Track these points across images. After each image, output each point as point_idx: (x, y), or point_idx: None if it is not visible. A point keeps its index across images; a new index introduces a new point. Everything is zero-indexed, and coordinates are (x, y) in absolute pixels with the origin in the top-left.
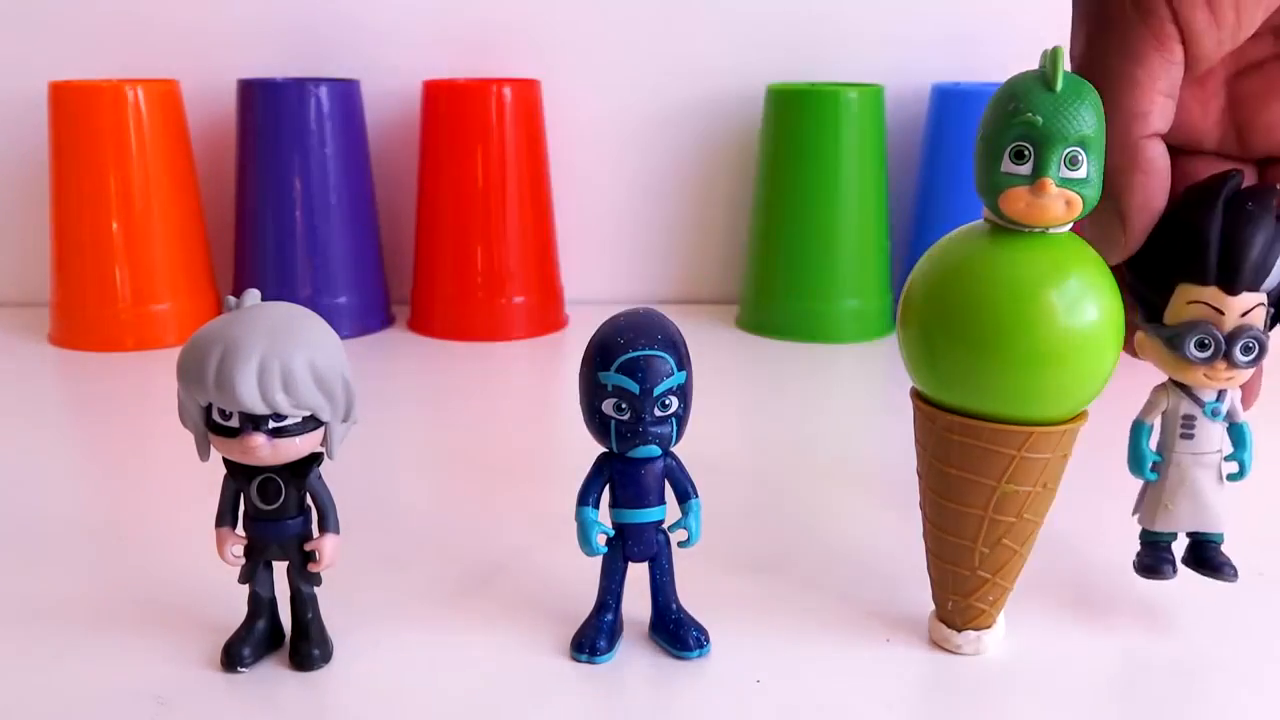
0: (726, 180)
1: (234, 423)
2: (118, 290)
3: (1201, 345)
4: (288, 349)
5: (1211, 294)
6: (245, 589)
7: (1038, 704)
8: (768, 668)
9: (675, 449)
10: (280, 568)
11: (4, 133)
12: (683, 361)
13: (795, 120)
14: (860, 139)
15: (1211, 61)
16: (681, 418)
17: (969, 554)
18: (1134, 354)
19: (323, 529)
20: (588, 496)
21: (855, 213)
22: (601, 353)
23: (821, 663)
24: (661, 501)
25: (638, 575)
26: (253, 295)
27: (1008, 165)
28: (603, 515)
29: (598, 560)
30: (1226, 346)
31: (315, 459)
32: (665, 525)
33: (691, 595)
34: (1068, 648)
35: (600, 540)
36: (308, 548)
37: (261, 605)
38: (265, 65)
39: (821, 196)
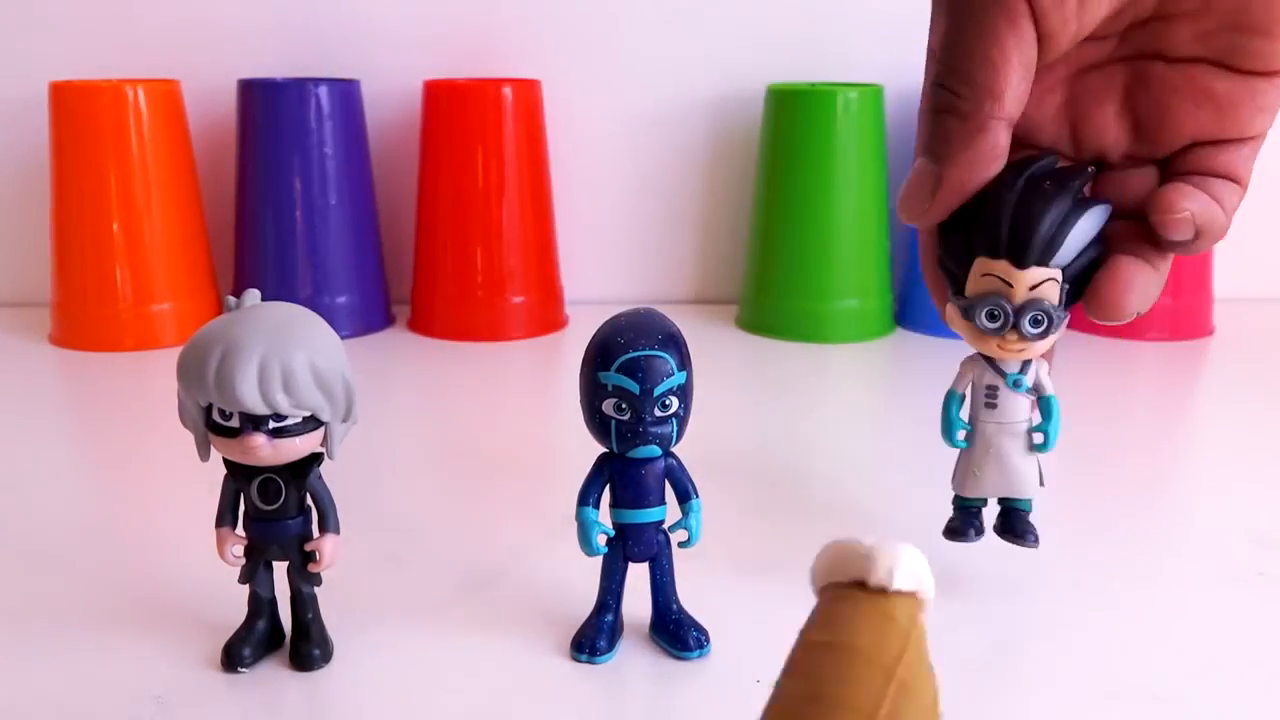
0: (726, 180)
1: (234, 423)
2: (118, 290)
3: (992, 316)
4: (288, 349)
5: (1002, 267)
6: (245, 589)
7: (1039, 706)
8: (768, 668)
9: (676, 449)
10: (280, 568)
11: (4, 133)
12: (683, 361)
13: (795, 120)
14: (860, 139)
15: (1059, 42)
16: (682, 418)
17: None
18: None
19: (323, 529)
20: (588, 496)
21: (855, 212)
22: (602, 353)
23: None
24: (662, 502)
25: (638, 575)
26: (253, 295)
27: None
28: (603, 515)
29: (598, 560)
30: (1016, 318)
31: (315, 459)
32: (665, 525)
33: (691, 595)
34: (1070, 649)
35: (600, 540)
36: (308, 548)
37: (262, 605)
38: (265, 65)
39: (821, 196)
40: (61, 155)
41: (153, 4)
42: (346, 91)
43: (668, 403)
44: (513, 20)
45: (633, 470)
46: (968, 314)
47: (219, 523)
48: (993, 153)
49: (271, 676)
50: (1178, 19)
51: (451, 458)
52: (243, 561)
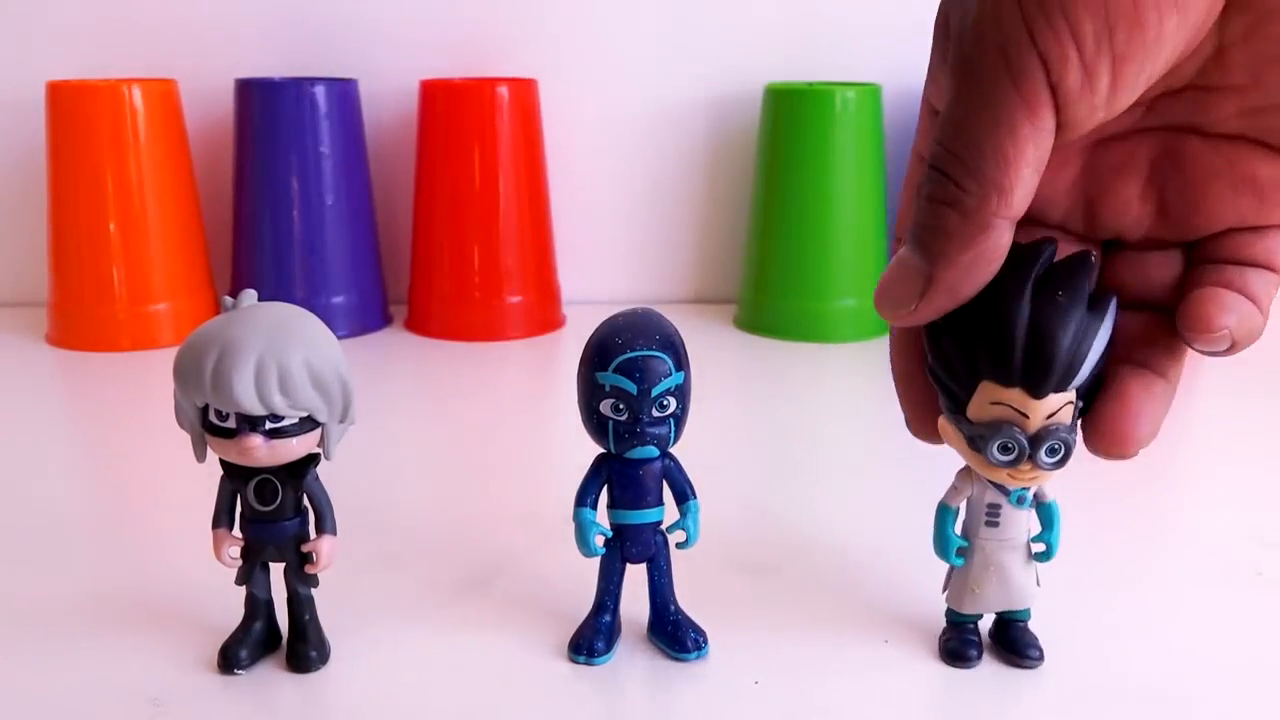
0: (726, 180)
1: (231, 424)
2: (115, 290)
3: (1005, 449)
4: (285, 350)
5: (1016, 397)
6: (242, 590)
7: (1038, 706)
8: (766, 669)
9: (673, 449)
10: (277, 569)
11: (1, 133)
12: (681, 362)
13: (793, 120)
14: (858, 138)
15: (1081, 132)
16: (679, 418)
17: None
18: (928, 439)
19: (320, 530)
20: (586, 497)
21: (853, 212)
22: (599, 353)
23: (819, 664)
24: (660, 502)
25: (636, 576)
26: (249, 296)
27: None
28: (601, 516)
29: (596, 561)
30: (1031, 449)
31: (312, 460)
32: (663, 526)
33: (690, 596)
34: (1066, 650)
35: (598, 541)
36: (305, 549)
37: (258, 607)
38: (264, 65)
39: (819, 196)
40: (59, 155)
41: (150, 4)
42: (344, 91)
43: (665, 403)
44: (511, 20)
45: (630, 471)
46: (975, 445)
47: (216, 524)
48: (993, 254)
49: (268, 678)
50: (1221, 92)
51: (449, 458)
52: (239, 563)
